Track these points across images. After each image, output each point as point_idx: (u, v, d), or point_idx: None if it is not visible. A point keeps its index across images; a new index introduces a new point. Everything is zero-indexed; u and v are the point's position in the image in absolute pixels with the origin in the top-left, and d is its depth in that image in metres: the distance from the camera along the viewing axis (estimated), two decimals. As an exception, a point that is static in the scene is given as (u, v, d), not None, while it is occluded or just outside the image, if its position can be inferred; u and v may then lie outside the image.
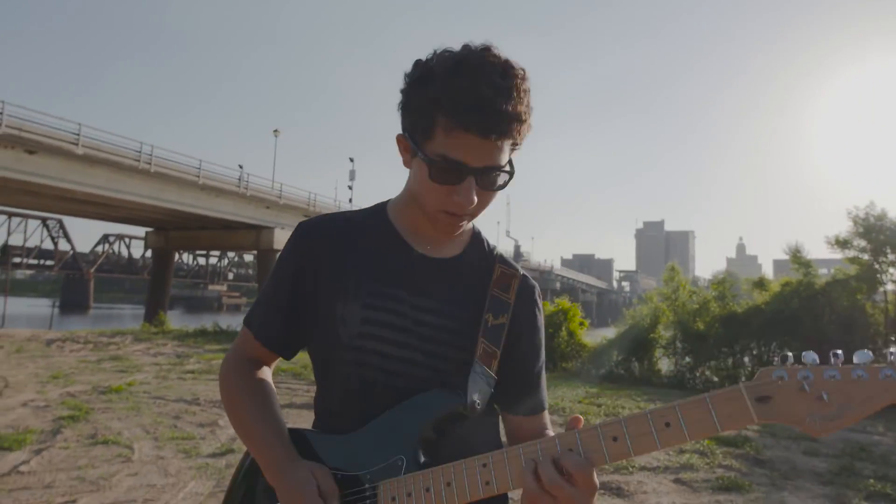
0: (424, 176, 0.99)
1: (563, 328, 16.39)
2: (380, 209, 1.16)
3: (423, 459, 0.99)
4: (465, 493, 0.92)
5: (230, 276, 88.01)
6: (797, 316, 12.22)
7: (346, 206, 42.36)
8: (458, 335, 1.06)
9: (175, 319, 27.48)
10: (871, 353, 0.81)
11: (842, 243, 12.93)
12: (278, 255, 1.18)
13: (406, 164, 1.06)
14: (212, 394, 7.96)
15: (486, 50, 0.96)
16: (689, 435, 0.84)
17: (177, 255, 55.39)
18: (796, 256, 13.38)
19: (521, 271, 1.16)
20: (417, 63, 1.00)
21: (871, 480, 4.82)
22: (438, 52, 0.99)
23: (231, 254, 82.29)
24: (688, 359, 13.02)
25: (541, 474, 0.87)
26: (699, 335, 12.81)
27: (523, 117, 0.96)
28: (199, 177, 28.70)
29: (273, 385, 1.17)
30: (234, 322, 22.82)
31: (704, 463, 5.28)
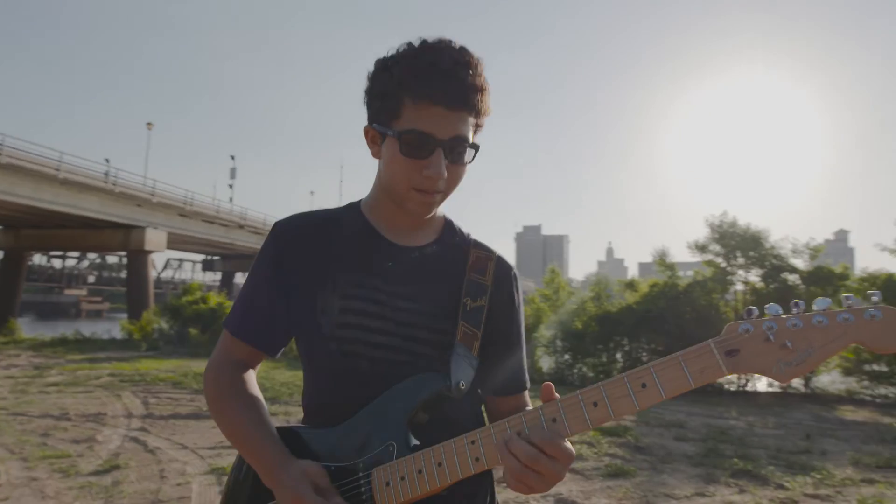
0: (395, 153, 1.03)
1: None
2: (353, 206, 1.18)
3: (413, 443, 1.01)
4: (457, 471, 0.95)
5: (91, 279, 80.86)
6: (663, 314, 13.25)
7: (225, 206, 40.41)
8: (435, 318, 1.08)
9: (26, 327, 24.82)
10: (829, 300, 0.83)
11: (700, 248, 14.25)
12: (258, 255, 1.17)
13: (375, 154, 1.10)
14: (83, 407, 7.32)
15: (442, 39, 1.03)
16: (665, 393, 0.86)
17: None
18: (662, 260, 14.55)
19: (497, 253, 1.17)
20: (379, 59, 1.06)
21: (735, 459, 5.40)
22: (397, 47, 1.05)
23: (92, 255, 75.65)
24: (567, 356, 13.71)
25: (515, 451, 0.88)
26: (577, 334, 13.53)
27: (483, 87, 1.02)
28: (59, 170, 26.13)
29: (258, 387, 1.15)
30: (99, 329, 21.05)
31: (593, 452, 5.65)
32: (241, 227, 40.69)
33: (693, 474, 5.09)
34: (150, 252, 32.07)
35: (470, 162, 1.06)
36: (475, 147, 1.05)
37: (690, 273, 15.19)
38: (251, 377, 1.15)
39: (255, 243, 42.46)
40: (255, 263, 1.16)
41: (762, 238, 13.78)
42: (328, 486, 0.99)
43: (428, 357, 1.07)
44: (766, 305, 0.85)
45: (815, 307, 0.84)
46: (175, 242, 39.52)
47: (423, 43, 1.02)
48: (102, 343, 18.61)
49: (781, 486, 4.71)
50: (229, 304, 20.20)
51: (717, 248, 14.18)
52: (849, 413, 9.64)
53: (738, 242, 13.94)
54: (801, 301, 0.84)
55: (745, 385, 12.75)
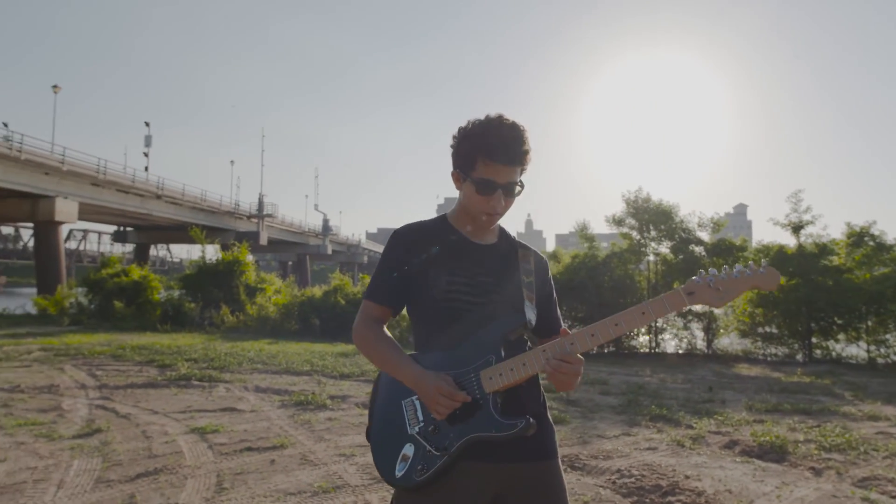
0: (472, 192, 1.61)
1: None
2: (443, 219, 1.74)
3: (504, 356, 1.56)
4: (535, 367, 1.53)
5: (-16, 251, 74.85)
6: (584, 283, 14.29)
7: (141, 175, 38.52)
8: (507, 287, 1.67)
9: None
10: (740, 266, 1.46)
11: (617, 221, 15.33)
12: (385, 250, 1.69)
13: (458, 188, 1.68)
14: (29, 380, 7.34)
15: (501, 116, 1.60)
16: (655, 316, 1.48)
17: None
18: (582, 232, 15.57)
19: (533, 249, 1.78)
20: (461, 128, 1.63)
21: (653, 407, 6.28)
22: (472, 120, 1.63)
23: (-14, 226, 69.81)
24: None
25: (553, 363, 1.49)
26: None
27: (528, 150, 1.60)
28: (-48, 135, 24.26)
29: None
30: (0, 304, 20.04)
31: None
32: (159, 197, 38.86)
33: (618, 420, 5.92)
34: (61, 223, 30.48)
35: (518, 195, 1.65)
36: (522, 185, 1.64)
37: (607, 245, 16.24)
38: (385, 329, 1.68)
39: (174, 214, 40.76)
40: (385, 254, 1.69)
41: (672, 212, 14.98)
42: (454, 385, 1.53)
43: (505, 309, 1.64)
44: (709, 270, 1.49)
45: (732, 269, 1.49)
46: (87, 213, 37.40)
47: (488, 121, 1.59)
48: (16, 318, 17.86)
49: (690, 427, 5.60)
50: (154, 277, 19.77)
51: (632, 221, 15.26)
52: (744, 370, 10.97)
53: (651, 217, 15.06)
54: (726, 266, 1.48)
55: (656, 348, 14.08)
